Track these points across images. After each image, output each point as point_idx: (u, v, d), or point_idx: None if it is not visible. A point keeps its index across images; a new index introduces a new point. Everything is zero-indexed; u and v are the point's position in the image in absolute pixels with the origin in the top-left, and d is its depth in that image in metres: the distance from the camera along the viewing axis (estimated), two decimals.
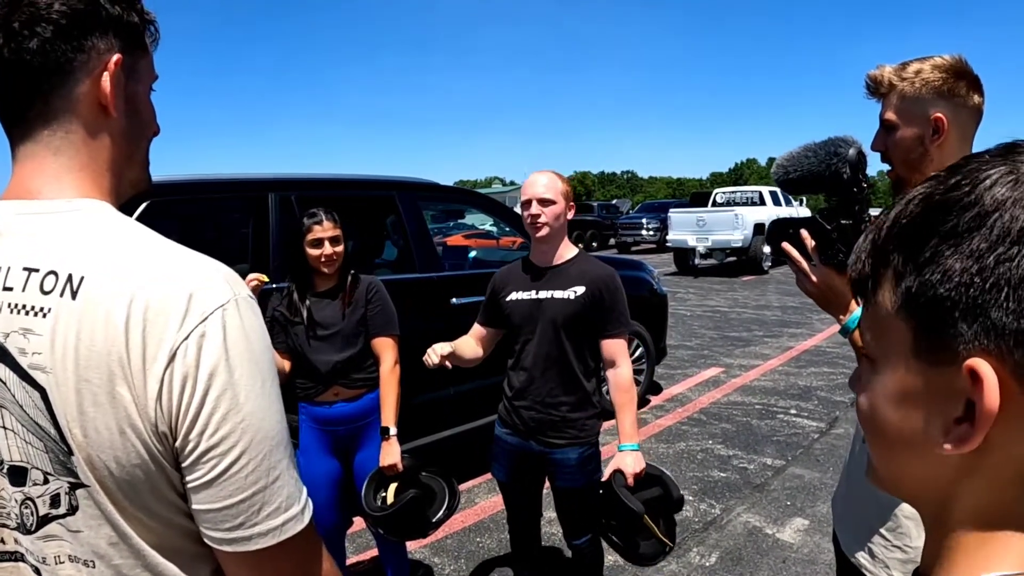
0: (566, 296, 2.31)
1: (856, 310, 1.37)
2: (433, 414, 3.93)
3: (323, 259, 2.54)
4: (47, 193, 0.75)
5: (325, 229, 2.54)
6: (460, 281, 4.27)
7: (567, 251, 2.41)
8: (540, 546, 2.76)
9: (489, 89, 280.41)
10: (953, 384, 0.43)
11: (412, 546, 3.42)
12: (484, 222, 14.45)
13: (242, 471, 0.69)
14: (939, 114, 1.33)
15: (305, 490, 0.77)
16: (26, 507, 0.72)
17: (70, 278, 0.69)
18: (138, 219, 3.02)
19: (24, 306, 0.70)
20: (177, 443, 0.68)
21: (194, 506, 0.70)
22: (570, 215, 2.40)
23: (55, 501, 0.71)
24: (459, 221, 15.49)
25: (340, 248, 2.57)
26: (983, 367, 0.41)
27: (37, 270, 0.70)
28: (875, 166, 1.49)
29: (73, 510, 0.71)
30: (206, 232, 4.21)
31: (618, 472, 2.25)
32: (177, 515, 0.72)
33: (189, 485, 0.70)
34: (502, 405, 2.51)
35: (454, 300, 4.09)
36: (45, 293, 0.69)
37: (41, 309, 0.69)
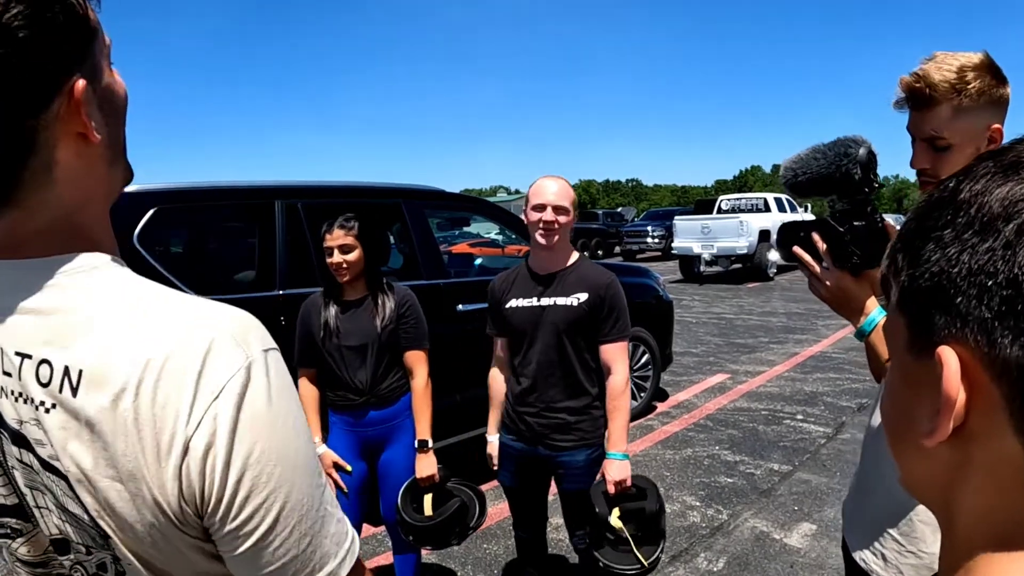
0: (569, 303, 2.30)
1: (871, 313, 1.33)
2: (439, 421, 3.93)
3: (333, 268, 2.53)
4: (29, 251, 0.66)
5: (334, 238, 2.51)
6: (466, 288, 4.29)
7: (568, 257, 2.41)
8: (546, 552, 2.76)
9: (494, 98, 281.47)
10: (933, 375, 0.43)
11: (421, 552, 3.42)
12: (489, 231, 14.48)
13: (270, 546, 0.67)
14: (996, 125, 1.26)
15: (349, 528, 0.75)
16: (76, 571, 0.72)
17: (67, 371, 0.63)
18: (143, 227, 3.03)
19: (27, 397, 0.65)
20: (204, 524, 0.66)
21: (231, 570, 0.70)
22: (574, 221, 2.41)
23: (102, 567, 0.71)
24: (464, 229, 15.53)
25: (350, 256, 2.51)
26: (946, 353, 0.42)
27: (30, 356, 0.64)
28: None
29: (121, 574, 0.71)
30: (212, 239, 4.23)
31: (601, 479, 2.26)
32: (220, 565, 0.71)
33: (224, 555, 0.69)
34: (506, 412, 2.50)
35: (460, 307, 4.10)
36: (43, 385, 0.64)
37: (43, 403, 0.64)
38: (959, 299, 0.42)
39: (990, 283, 0.40)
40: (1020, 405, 0.40)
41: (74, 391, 0.63)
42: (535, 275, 2.40)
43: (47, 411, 0.64)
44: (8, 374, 0.65)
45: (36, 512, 0.70)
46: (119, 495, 0.63)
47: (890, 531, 1.41)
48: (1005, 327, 0.40)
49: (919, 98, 1.31)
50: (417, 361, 2.65)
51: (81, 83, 0.65)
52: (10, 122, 0.62)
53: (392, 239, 5.00)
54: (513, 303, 2.40)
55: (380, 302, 2.60)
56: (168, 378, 0.62)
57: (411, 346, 2.64)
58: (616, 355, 2.34)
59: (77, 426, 0.63)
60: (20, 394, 0.65)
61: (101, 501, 0.64)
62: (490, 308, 2.54)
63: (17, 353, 0.65)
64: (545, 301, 2.34)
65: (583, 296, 2.30)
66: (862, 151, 1.32)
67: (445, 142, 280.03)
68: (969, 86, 1.25)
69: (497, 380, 2.59)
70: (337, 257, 2.51)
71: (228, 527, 0.65)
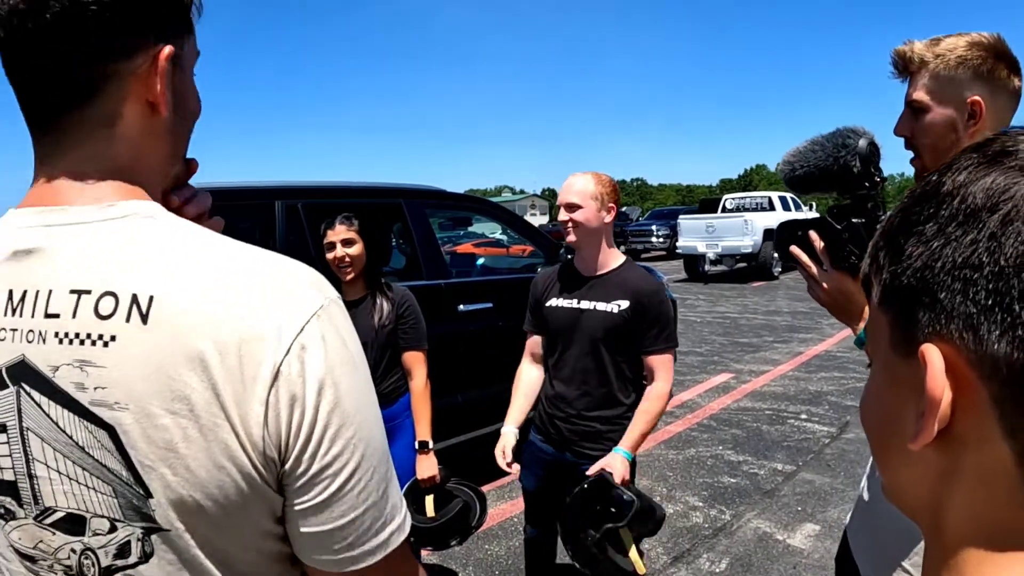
0: (608, 309, 2.21)
1: None
2: (439, 421, 3.92)
3: (336, 262, 2.53)
4: (85, 199, 0.65)
5: (337, 232, 2.52)
6: (467, 288, 4.27)
7: (611, 259, 2.31)
8: (554, 559, 2.72)
9: (498, 98, 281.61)
10: (917, 375, 0.41)
11: (421, 553, 3.41)
12: (494, 230, 14.45)
13: (354, 489, 0.64)
14: (976, 97, 1.20)
15: (400, 492, 0.72)
16: (85, 557, 0.65)
17: (135, 299, 0.60)
18: None
19: (77, 335, 0.61)
20: (286, 467, 0.62)
21: (301, 529, 0.65)
22: (608, 218, 2.25)
23: (123, 551, 0.64)
24: (469, 229, 15.50)
25: (353, 250, 2.52)
26: (929, 351, 0.40)
27: (88, 292, 0.61)
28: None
29: (146, 557, 0.64)
30: None
31: (605, 471, 2.14)
32: (268, 540, 0.67)
33: (297, 508, 0.64)
34: (538, 412, 2.46)
35: (461, 307, 4.09)
36: (103, 318, 0.60)
37: (100, 337, 0.60)
38: (943, 294, 0.40)
39: (975, 276, 0.39)
40: (1011, 407, 0.38)
41: (144, 318, 0.60)
42: (577, 275, 2.34)
43: (105, 345, 0.60)
44: (53, 315, 0.62)
45: (51, 477, 0.64)
46: (185, 433, 0.59)
47: (904, 564, 1.33)
48: (992, 321, 0.38)
49: (902, 63, 1.29)
50: (416, 362, 2.64)
51: (168, 48, 0.67)
52: (93, 55, 0.63)
53: (393, 239, 4.99)
54: (554, 302, 2.34)
55: (379, 302, 2.59)
56: (255, 308, 0.61)
57: (410, 347, 2.64)
58: (660, 365, 2.22)
59: (143, 358, 0.59)
60: (66, 334, 0.61)
61: (160, 442, 0.60)
62: (530, 305, 2.48)
63: (72, 291, 0.62)
64: (584, 304, 2.26)
65: (624, 303, 2.20)
66: (862, 142, 1.26)
67: (449, 142, 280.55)
68: (950, 53, 1.22)
69: (525, 374, 2.51)
70: (340, 251, 2.51)
71: (316, 465, 0.62)
